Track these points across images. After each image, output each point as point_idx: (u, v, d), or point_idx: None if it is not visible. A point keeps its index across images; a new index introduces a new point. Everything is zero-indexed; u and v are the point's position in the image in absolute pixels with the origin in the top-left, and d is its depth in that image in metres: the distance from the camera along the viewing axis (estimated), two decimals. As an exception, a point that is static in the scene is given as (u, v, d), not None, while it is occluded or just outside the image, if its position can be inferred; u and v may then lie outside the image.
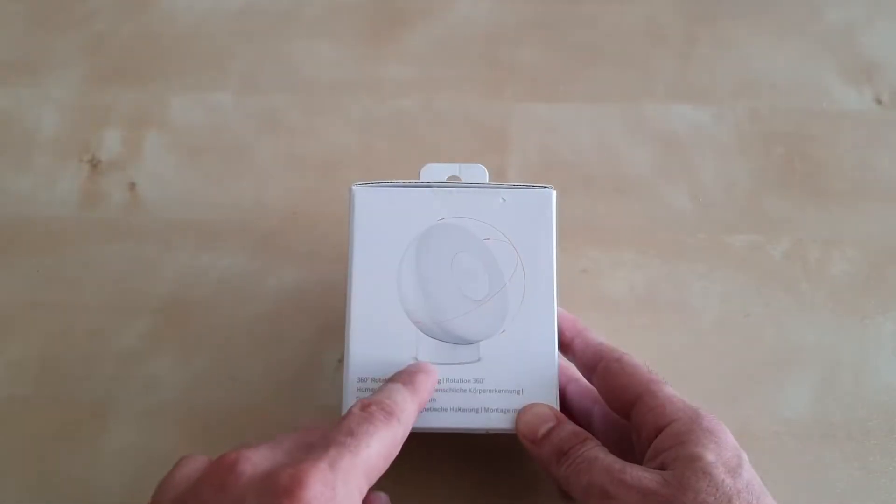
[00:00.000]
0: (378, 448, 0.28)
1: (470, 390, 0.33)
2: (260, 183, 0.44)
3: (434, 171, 0.36)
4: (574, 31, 0.48)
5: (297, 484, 0.25)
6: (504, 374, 0.33)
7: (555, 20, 0.49)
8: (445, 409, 0.32)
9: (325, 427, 0.30)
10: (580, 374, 0.35)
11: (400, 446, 0.29)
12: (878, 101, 0.46)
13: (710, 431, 0.29)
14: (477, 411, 0.32)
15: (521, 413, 0.32)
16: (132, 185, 0.44)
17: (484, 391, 0.33)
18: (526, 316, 0.33)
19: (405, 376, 0.32)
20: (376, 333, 0.33)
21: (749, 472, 0.28)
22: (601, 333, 0.35)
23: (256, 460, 0.27)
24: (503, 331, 0.33)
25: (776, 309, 0.41)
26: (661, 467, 0.28)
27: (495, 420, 0.32)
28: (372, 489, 0.29)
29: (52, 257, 0.42)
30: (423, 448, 0.36)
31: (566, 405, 0.34)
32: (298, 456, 0.27)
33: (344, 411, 0.32)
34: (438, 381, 0.33)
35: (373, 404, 0.29)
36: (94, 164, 0.45)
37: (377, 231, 0.34)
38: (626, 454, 0.30)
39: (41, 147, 0.45)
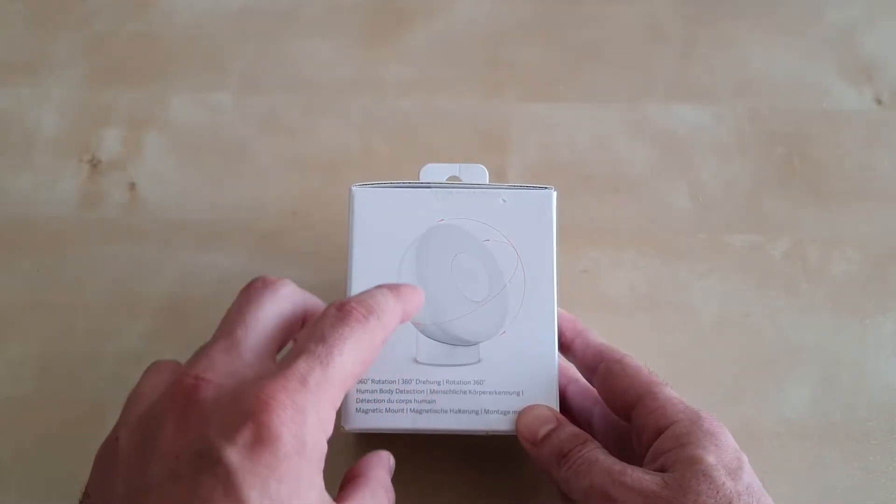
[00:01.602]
0: (353, 354, 0.26)
1: (470, 392, 0.33)
2: (260, 183, 0.44)
3: (434, 171, 0.36)
4: (574, 31, 0.48)
5: (262, 408, 0.23)
6: (504, 376, 0.33)
7: (555, 20, 0.49)
8: (445, 411, 0.32)
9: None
10: (580, 375, 0.35)
11: (379, 350, 0.28)
12: (878, 101, 0.46)
13: (710, 433, 0.29)
14: (477, 413, 0.32)
15: (521, 414, 0.32)
16: (132, 185, 0.44)
17: (484, 393, 0.32)
18: (526, 317, 0.33)
19: (390, 285, 0.30)
20: (376, 335, 0.33)
21: (749, 475, 0.28)
22: (601, 333, 0.35)
23: (217, 380, 0.25)
24: (503, 332, 0.33)
25: (776, 309, 0.41)
26: (662, 469, 0.28)
27: (495, 422, 0.32)
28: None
29: (52, 257, 0.42)
30: (424, 448, 0.36)
31: (566, 406, 0.34)
32: (265, 368, 0.25)
33: (344, 416, 0.32)
34: (438, 383, 0.33)
35: (352, 302, 0.27)
36: (94, 164, 0.45)
37: (377, 232, 0.34)
38: (627, 455, 0.30)
39: (41, 147, 0.45)
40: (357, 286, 0.33)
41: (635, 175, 0.44)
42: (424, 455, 0.36)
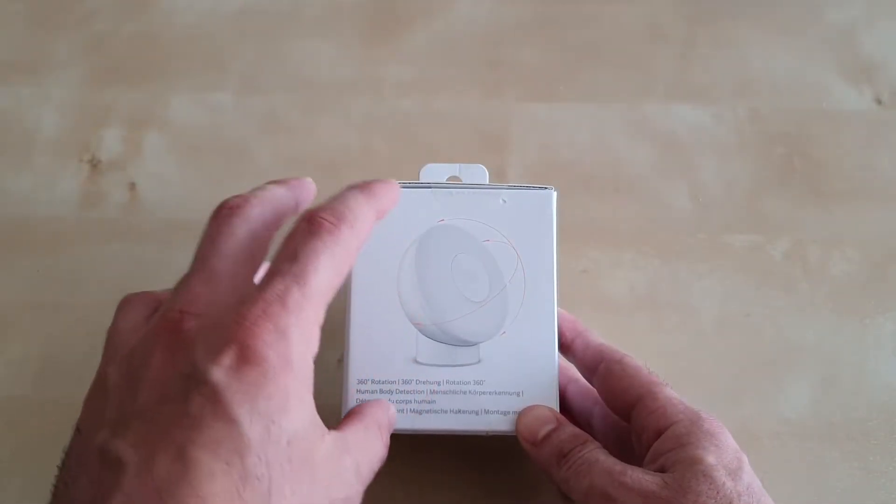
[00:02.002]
0: (328, 270, 0.26)
1: (470, 392, 0.33)
2: (260, 183, 0.44)
3: (434, 171, 0.36)
4: (574, 31, 0.48)
5: (246, 334, 0.24)
6: (504, 376, 0.33)
7: (555, 20, 0.49)
8: (445, 412, 0.32)
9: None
10: (580, 375, 0.35)
11: (354, 257, 0.27)
12: (878, 101, 0.46)
13: (710, 434, 0.29)
14: (477, 413, 0.32)
15: (521, 415, 0.32)
16: (132, 185, 0.44)
17: (484, 393, 0.32)
18: (526, 317, 0.33)
19: (361, 184, 0.29)
20: (376, 335, 0.33)
21: (749, 475, 0.28)
22: (601, 333, 0.35)
23: (200, 311, 0.25)
24: (503, 332, 0.33)
25: (776, 309, 0.41)
26: (662, 470, 0.28)
27: (495, 422, 0.32)
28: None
29: (52, 257, 0.42)
30: (424, 448, 0.36)
31: (566, 406, 0.34)
32: (244, 293, 0.25)
33: (344, 414, 0.32)
34: (438, 383, 0.33)
35: (321, 211, 0.27)
36: (94, 164, 0.45)
37: (377, 232, 0.34)
38: (627, 455, 0.30)
39: (41, 147, 0.45)
40: (358, 287, 0.33)
41: (635, 175, 0.44)
42: (424, 455, 0.36)
